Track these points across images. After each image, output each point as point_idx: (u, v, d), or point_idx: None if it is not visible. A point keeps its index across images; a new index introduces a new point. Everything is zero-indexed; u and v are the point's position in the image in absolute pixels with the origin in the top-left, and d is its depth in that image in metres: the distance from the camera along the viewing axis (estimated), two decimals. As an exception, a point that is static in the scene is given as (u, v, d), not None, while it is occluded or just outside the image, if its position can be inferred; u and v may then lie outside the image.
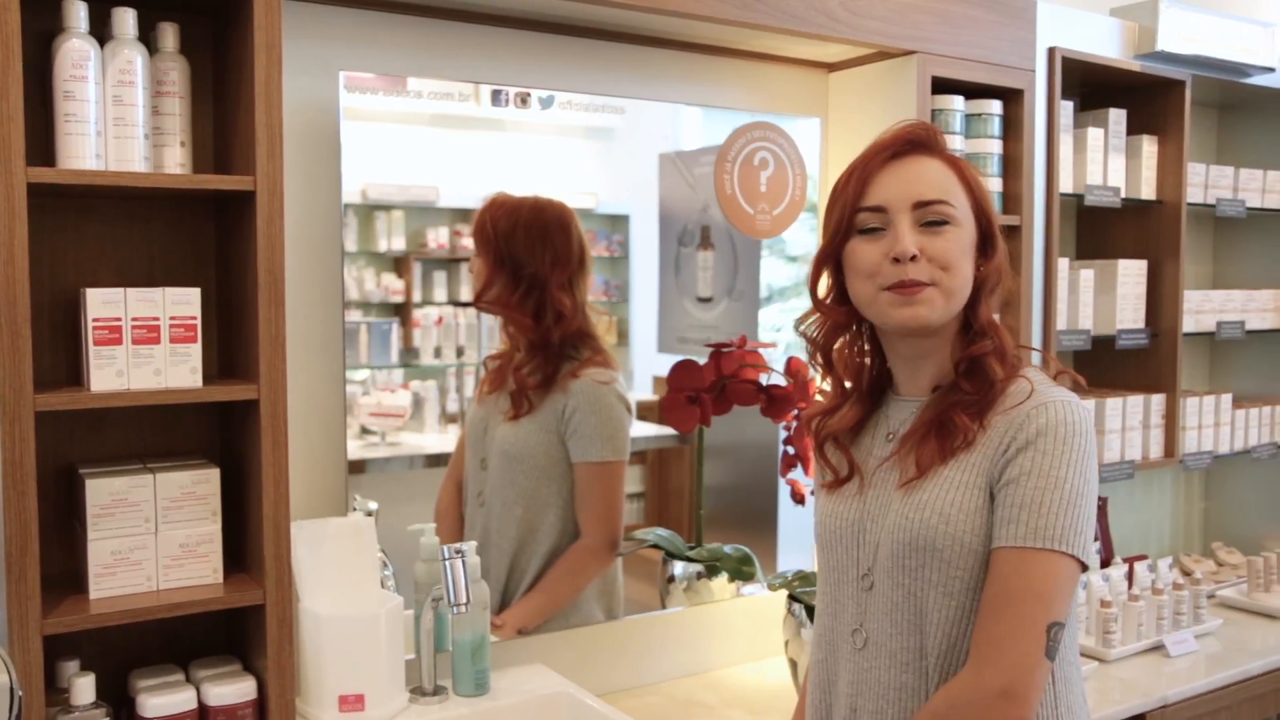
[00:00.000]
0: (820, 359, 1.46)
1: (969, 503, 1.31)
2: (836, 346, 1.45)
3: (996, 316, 1.41)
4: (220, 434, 1.80)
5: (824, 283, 1.43)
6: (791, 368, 2.16)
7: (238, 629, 1.76)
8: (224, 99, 1.71)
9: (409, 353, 2.03)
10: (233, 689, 1.65)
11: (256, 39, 1.56)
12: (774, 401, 2.14)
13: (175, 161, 1.62)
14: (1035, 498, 1.27)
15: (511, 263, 2.02)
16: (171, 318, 1.57)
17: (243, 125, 1.62)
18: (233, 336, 1.73)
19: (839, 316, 1.42)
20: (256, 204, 1.58)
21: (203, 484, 1.65)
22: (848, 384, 1.46)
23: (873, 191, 1.35)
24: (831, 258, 1.40)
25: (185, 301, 1.59)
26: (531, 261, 2.02)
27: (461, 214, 2.05)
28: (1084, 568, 1.28)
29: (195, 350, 1.59)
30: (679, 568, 2.29)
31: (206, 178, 1.60)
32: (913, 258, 1.31)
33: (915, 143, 1.36)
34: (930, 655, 1.32)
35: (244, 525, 1.69)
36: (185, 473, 1.64)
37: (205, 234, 1.78)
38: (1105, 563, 2.87)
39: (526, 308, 2.04)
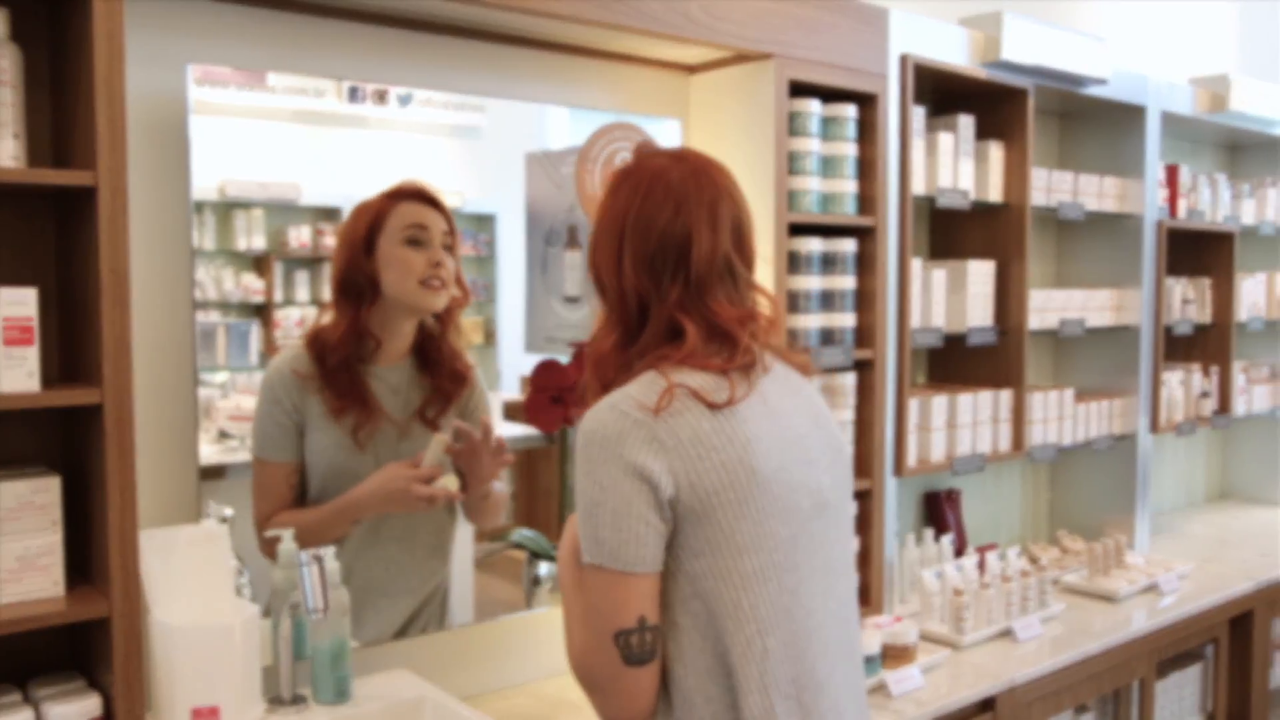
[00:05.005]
0: None
1: None
2: None
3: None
4: (62, 441, 1.72)
5: None
6: (655, 366, 2.18)
7: (82, 644, 1.68)
8: (62, 91, 1.64)
9: (270, 354, 1.98)
10: (75, 707, 1.58)
11: (96, 28, 1.49)
12: (638, 400, 2.15)
13: (8, 154, 1.54)
14: (576, 512, 1.34)
15: None
16: (5, 319, 1.50)
17: (82, 118, 1.55)
18: (75, 339, 1.65)
19: None
20: (98, 200, 1.51)
21: (42, 493, 1.58)
22: None
23: None
24: None
25: (20, 302, 1.51)
26: None
27: (324, 212, 2.01)
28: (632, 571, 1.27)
29: (32, 353, 1.52)
30: (544, 568, 2.28)
31: (43, 172, 1.53)
32: None
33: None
34: None
35: (89, 535, 1.62)
36: (22, 482, 1.57)
37: (43, 232, 1.69)
38: (959, 552, 2.98)
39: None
